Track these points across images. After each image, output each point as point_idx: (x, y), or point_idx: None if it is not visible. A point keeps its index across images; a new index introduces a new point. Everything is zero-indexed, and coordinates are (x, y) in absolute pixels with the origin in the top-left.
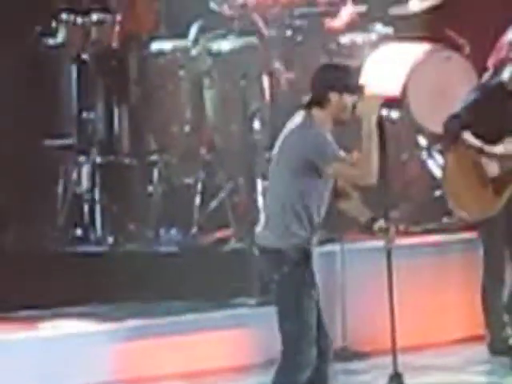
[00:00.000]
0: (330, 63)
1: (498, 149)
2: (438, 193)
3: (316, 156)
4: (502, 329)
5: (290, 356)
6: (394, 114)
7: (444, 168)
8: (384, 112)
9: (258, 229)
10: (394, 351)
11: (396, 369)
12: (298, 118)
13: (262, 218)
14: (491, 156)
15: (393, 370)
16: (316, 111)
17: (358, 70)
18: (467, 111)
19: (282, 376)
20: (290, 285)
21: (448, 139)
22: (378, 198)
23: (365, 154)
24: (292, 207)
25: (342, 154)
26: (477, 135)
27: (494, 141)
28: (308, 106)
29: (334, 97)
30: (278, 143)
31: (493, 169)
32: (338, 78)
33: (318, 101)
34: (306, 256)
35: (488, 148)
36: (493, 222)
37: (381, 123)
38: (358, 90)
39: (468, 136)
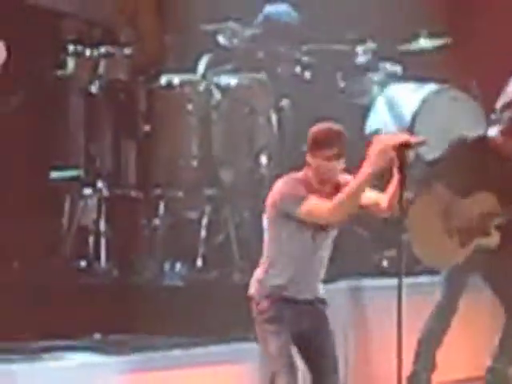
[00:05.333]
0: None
1: None
2: None
3: (285, 202)
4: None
5: None
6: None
7: (411, 213)
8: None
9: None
10: None
11: None
12: None
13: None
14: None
15: None
16: (305, 169)
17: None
18: (439, 162)
19: None
20: None
21: (418, 185)
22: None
23: (346, 192)
24: None
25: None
26: (450, 185)
27: (467, 194)
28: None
29: (310, 159)
30: None
31: None
32: (312, 143)
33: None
34: None
35: (457, 201)
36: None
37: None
38: (333, 157)
39: (438, 186)
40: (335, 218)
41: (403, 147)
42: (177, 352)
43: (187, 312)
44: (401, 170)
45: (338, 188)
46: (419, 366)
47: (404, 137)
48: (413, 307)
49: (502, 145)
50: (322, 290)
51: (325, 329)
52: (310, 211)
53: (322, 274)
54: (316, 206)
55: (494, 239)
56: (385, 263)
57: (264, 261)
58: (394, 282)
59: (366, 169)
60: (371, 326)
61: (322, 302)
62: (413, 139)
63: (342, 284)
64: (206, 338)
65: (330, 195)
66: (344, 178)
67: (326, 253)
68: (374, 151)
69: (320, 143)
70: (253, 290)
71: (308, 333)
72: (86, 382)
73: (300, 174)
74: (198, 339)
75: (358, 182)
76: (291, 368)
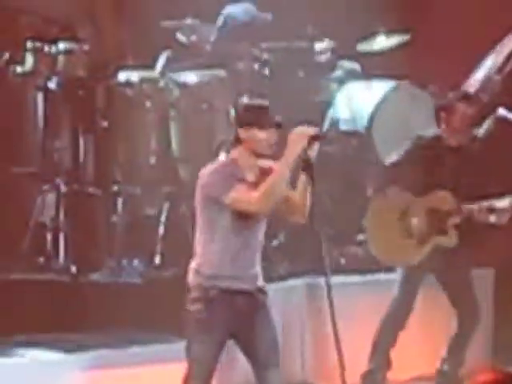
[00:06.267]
0: (242, 103)
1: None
2: None
3: (212, 190)
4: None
5: None
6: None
7: (369, 213)
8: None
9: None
10: None
11: None
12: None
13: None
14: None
15: None
16: (233, 151)
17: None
18: (396, 165)
19: None
20: None
21: (376, 189)
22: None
23: (269, 182)
24: None
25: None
26: (407, 187)
27: (424, 193)
28: (230, 146)
29: (243, 133)
30: None
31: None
32: (244, 115)
33: (235, 140)
34: None
35: (415, 201)
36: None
37: (309, 162)
38: (268, 124)
39: (395, 189)
40: (262, 208)
41: (312, 140)
42: (135, 349)
43: (145, 309)
44: (308, 163)
45: (263, 176)
46: (374, 364)
47: (312, 130)
48: (371, 304)
49: (450, 140)
50: (260, 279)
51: (264, 320)
52: (237, 199)
53: (257, 262)
54: (243, 194)
55: (452, 238)
56: (343, 260)
57: (197, 251)
58: (351, 279)
59: (286, 157)
60: (327, 323)
61: (261, 291)
62: (319, 132)
63: (300, 281)
64: (164, 335)
65: (253, 185)
66: (268, 163)
67: (259, 240)
68: (290, 140)
69: (254, 112)
70: (189, 280)
71: (246, 327)
72: (43, 379)
73: (225, 161)
74: (156, 336)
75: (279, 170)
76: (203, 381)
